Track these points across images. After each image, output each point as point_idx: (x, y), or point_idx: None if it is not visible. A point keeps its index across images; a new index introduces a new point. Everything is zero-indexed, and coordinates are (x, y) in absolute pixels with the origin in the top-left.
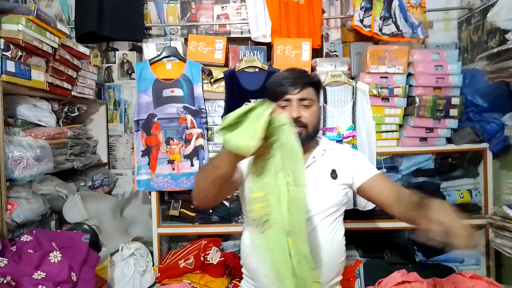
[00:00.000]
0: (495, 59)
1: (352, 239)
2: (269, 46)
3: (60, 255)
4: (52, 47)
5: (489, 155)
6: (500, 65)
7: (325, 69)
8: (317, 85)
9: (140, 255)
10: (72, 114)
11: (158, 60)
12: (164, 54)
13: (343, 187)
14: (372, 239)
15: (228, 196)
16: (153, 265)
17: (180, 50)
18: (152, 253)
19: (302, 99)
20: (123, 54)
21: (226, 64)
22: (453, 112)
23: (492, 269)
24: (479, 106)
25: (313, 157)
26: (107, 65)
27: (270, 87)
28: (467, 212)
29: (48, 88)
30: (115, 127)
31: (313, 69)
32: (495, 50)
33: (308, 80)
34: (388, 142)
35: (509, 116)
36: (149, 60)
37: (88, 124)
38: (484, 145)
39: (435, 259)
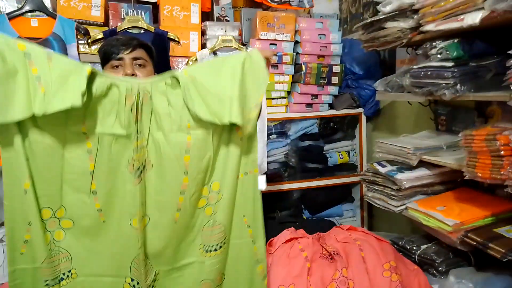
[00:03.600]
0: (369, 29)
1: None
2: (155, 5)
3: None
4: None
5: (364, 118)
6: (373, 34)
7: (215, 33)
8: (149, 50)
9: None
10: None
11: (19, 15)
12: (27, 7)
13: None
14: (264, 202)
15: None
16: None
17: (49, 5)
18: None
19: (135, 58)
20: None
21: (106, 23)
22: (335, 79)
23: (366, 220)
24: (356, 74)
25: None
26: None
27: (102, 49)
28: (346, 170)
29: None
30: None
31: (203, 32)
32: (369, 20)
33: (138, 42)
34: (277, 109)
35: (379, 82)
36: (7, 14)
37: None
38: (360, 110)
39: (319, 215)
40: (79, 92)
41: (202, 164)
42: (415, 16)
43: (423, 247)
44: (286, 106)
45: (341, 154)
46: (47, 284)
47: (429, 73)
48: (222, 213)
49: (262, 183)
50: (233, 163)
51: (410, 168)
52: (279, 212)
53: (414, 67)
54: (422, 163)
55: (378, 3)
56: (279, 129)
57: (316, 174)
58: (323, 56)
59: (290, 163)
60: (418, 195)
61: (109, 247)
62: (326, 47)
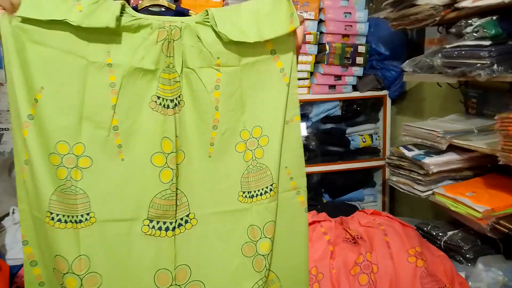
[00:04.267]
0: (398, 6)
1: None
2: None
3: None
4: None
5: (388, 101)
6: (402, 12)
7: None
8: None
9: None
10: None
11: None
12: None
13: None
14: None
15: None
16: None
17: None
18: None
19: None
20: None
21: (127, 1)
22: (359, 60)
23: (387, 204)
24: (381, 54)
25: None
26: None
27: None
28: (369, 154)
29: None
30: None
31: None
32: None
33: None
34: (299, 90)
35: (407, 63)
36: None
37: None
38: (384, 92)
39: (340, 199)
40: (114, 16)
41: (232, 100)
42: None
43: (450, 233)
44: (308, 87)
45: (364, 138)
46: (58, 220)
47: (463, 52)
48: (266, 158)
49: (302, 130)
50: (277, 108)
51: (438, 152)
52: None
53: (447, 46)
54: (450, 148)
55: None
56: (300, 111)
57: (337, 158)
58: (347, 35)
59: (311, 146)
60: (446, 180)
61: (127, 187)
62: (351, 26)
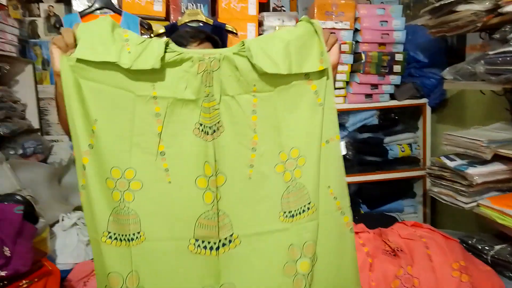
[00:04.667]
0: (437, 13)
1: None
2: None
3: None
4: None
5: (428, 109)
6: (442, 19)
7: (272, 24)
8: (216, 43)
9: (83, 224)
10: None
11: (90, 13)
12: (96, 5)
13: None
14: None
15: None
16: None
17: (115, 1)
18: None
19: None
20: (49, 6)
21: (167, 18)
22: (397, 68)
23: (428, 216)
24: (420, 62)
25: None
26: (31, 18)
27: (172, 40)
28: (408, 164)
29: None
30: (46, 89)
31: (260, 23)
32: (438, 4)
33: (206, 35)
34: (335, 99)
35: (448, 70)
36: (80, 12)
37: (14, 86)
38: (424, 100)
39: (378, 210)
40: (158, 57)
41: (268, 123)
42: None
43: (497, 247)
44: (344, 96)
45: (403, 147)
46: (115, 238)
47: (508, 59)
48: (304, 178)
49: (342, 149)
50: (312, 128)
51: (483, 162)
52: None
53: (490, 53)
54: (496, 157)
55: None
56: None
57: (375, 168)
58: (384, 44)
59: (348, 156)
60: (491, 191)
61: (174, 208)
62: (388, 34)
